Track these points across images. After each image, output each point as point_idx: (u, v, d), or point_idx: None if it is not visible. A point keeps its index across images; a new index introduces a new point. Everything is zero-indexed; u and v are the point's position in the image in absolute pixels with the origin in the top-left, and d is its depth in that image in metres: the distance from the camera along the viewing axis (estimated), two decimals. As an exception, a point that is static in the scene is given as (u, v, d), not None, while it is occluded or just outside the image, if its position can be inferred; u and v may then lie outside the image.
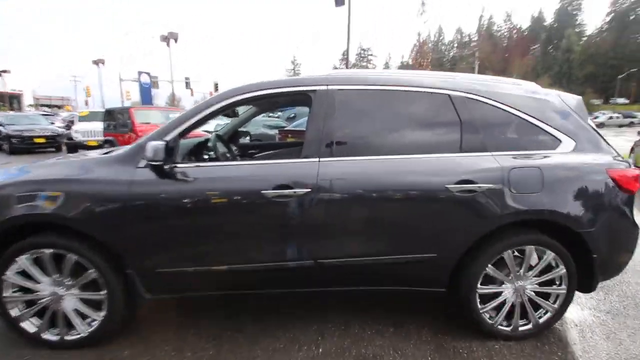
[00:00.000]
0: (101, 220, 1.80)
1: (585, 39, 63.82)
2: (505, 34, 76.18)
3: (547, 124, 2.02)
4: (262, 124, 10.61)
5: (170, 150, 1.82)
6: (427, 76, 2.06)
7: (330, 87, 1.95)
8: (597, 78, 55.11)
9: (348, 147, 1.92)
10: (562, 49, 63.10)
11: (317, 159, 1.88)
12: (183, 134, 1.94)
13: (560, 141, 2.02)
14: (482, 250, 1.94)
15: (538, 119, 2.02)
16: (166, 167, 1.77)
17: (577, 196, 1.93)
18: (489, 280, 2.00)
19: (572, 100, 2.16)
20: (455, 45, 79.91)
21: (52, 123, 17.04)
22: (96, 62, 35.08)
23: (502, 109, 2.00)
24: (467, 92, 1.99)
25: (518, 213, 1.88)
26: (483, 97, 2.00)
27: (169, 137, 1.87)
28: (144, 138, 1.92)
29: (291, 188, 1.82)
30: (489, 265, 1.96)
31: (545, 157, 1.96)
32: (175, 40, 25.04)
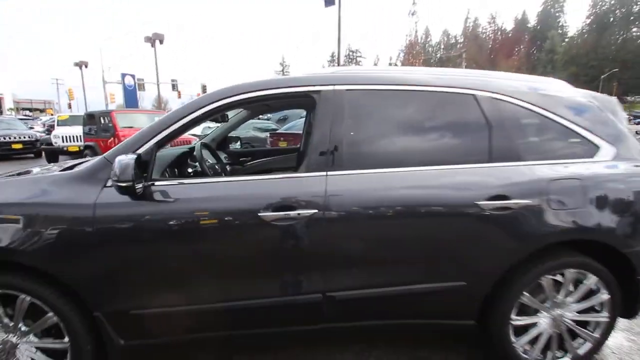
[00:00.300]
0: (59, 254, 1.46)
1: (567, 40, 65.31)
2: (490, 35, 77.46)
3: (584, 128, 1.77)
4: (253, 127, 10.25)
5: (144, 164, 1.49)
6: (449, 74, 1.78)
7: (337, 87, 1.65)
8: (579, 78, 56.36)
9: (359, 158, 1.62)
10: (545, 50, 64.39)
11: (324, 173, 1.57)
12: (162, 144, 1.61)
13: (599, 147, 1.76)
14: (517, 276, 1.67)
15: (574, 123, 1.76)
16: (139, 186, 1.44)
17: (621, 211, 1.67)
18: (524, 309, 1.73)
19: (608, 101, 1.91)
20: (442, 47, 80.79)
21: (32, 127, 16.35)
22: (79, 65, 34.00)
23: (535, 111, 1.74)
24: (495, 92, 1.72)
25: (560, 233, 1.62)
26: (513, 97, 1.73)
27: (143, 149, 1.54)
28: (111, 151, 1.58)
29: (294, 209, 1.51)
30: (525, 293, 1.70)
31: (584, 166, 1.71)
32: (161, 42, 24.34)
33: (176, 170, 2.10)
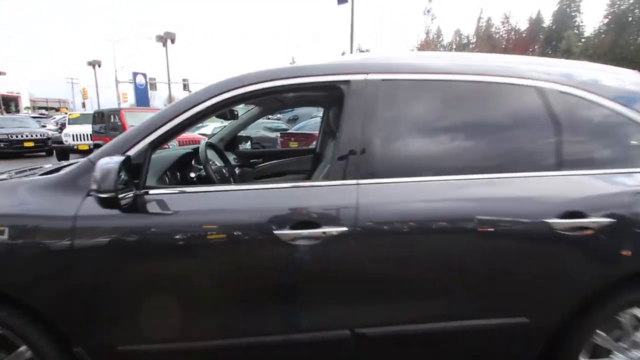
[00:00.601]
0: (31, 276, 1.20)
1: (584, 40, 63.51)
2: (504, 35, 75.93)
3: None
4: (263, 127, 10.01)
5: (135, 168, 1.22)
6: (507, 61, 1.46)
7: (371, 77, 1.36)
8: (597, 79, 54.19)
9: (398, 164, 1.32)
10: (561, 50, 62.77)
11: (354, 182, 1.28)
12: (157, 144, 1.33)
13: None
14: (591, 311, 1.35)
15: None
16: (127, 195, 1.16)
17: None
18: (596, 351, 1.41)
19: None
20: (454, 47, 79.62)
21: (44, 126, 16.48)
22: (92, 64, 34.39)
23: (612, 109, 1.41)
24: (565, 85, 1.40)
25: (649, 259, 1.29)
26: (587, 91, 1.40)
27: (134, 150, 1.27)
28: (96, 152, 1.31)
29: (318, 226, 1.22)
30: (599, 331, 1.37)
31: None
32: (172, 41, 24.34)
33: (178, 174, 1.84)
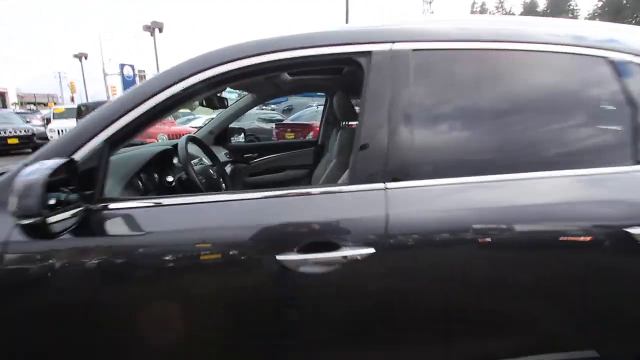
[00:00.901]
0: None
1: (579, 24, 62.87)
2: (499, 20, 74.61)
3: None
4: (257, 118, 9.62)
5: (87, 174, 0.90)
6: (567, 26, 1.15)
7: (397, 46, 1.03)
8: (591, 64, 54.00)
9: (438, 161, 1.01)
10: (556, 35, 62.18)
11: (381, 186, 0.97)
12: (120, 140, 1.00)
13: None
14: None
15: None
16: (72, 216, 0.84)
17: None
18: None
19: None
20: (449, 33, 78.25)
21: (28, 121, 15.87)
22: (78, 57, 33.31)
23: None
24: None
25: None
26: None
27: (83, 150, 0.93)
28: (33, 155, 0.98)
29: (336, 247, 0.92)
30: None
31: None
32: (160, 30, 23.51)
33: (156, 177, 1.51)
